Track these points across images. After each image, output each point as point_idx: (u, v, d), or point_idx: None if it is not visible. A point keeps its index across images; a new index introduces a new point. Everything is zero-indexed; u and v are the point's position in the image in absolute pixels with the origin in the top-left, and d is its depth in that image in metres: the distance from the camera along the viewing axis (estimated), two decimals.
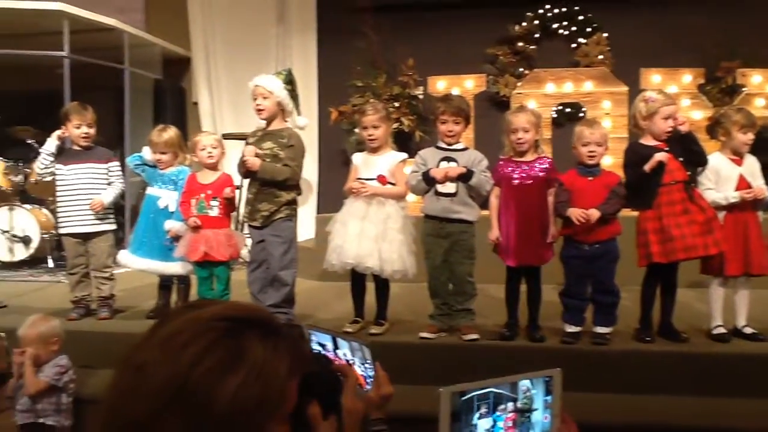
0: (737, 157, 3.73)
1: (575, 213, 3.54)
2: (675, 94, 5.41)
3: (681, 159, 3.59)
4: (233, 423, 0.84)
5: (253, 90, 3.99)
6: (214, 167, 4.13)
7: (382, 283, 3.93)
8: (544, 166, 3.69)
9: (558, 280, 3.79)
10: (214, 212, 4.02)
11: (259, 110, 3.98)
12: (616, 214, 3.60)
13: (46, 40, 6.14)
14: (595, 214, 3.50)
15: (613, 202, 3.56)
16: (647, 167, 3.53)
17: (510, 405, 1.19)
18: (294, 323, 1.18)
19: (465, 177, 3.71)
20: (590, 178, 3.63)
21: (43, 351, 3.31)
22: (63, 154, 4.29)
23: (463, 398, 1.14)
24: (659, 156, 3.52)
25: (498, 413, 1.17)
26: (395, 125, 5.74)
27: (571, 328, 3.65)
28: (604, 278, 3.60)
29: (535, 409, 1.21)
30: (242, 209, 4.80)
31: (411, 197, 4.04)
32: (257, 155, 3.89)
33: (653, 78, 6.14)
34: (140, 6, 7.68)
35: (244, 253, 4.41)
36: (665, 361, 3.51)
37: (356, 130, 6.42)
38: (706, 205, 3.58)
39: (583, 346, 3.59)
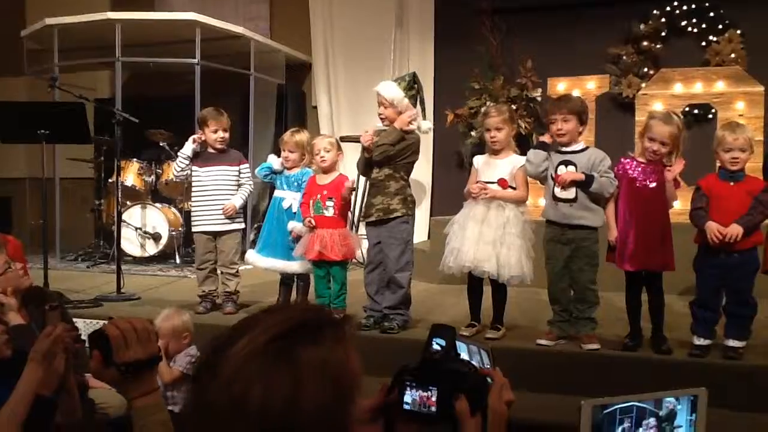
0: None
1: (712, 230, 3.32)
2: None
3: None
4: (321, 422, 0.89)
5: (377, 95, 4.08)
6: (329, 169, 4.22)
7: (499, 288, 3.89)
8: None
9: (681, 289, 3.61)
10: (330, 212, 4.11)
11: (381, 118, 4.07)
12: (759, 224, 3.36)
13: (176, 48, 6.52)
14: (735, 230, 3.27)
15: (757, 212, 3.32)
16: None
17: (652, 420, 1.15)
18: (345, 315, 1.25)
19: (584, 184, 3.59)
20: (732, 183, 3.41)
21: (175, 343, 3.48)
22: (199, 157, 4.52)
23: (606, 411, 1.11)
24: None
25: (641, 428, 1.14)
26: None
27: (701, 341, 3.45)
28: (741, 290, 3.38)
29: (679, 427, 1.16)
30: (357, 210, 4.89)
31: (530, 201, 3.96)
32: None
33: None
34: (265, 14, 8.02)
35: (359, 254, 4.47)
36: None
37: (472, 133, 6.39)
38: None
39: (713, 359, 3.40)
